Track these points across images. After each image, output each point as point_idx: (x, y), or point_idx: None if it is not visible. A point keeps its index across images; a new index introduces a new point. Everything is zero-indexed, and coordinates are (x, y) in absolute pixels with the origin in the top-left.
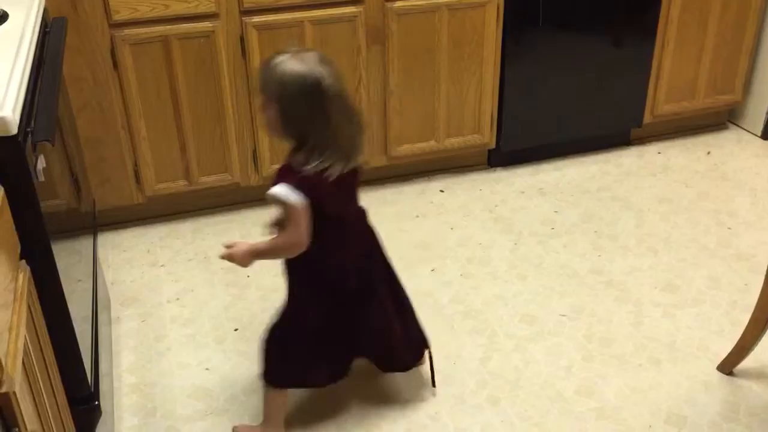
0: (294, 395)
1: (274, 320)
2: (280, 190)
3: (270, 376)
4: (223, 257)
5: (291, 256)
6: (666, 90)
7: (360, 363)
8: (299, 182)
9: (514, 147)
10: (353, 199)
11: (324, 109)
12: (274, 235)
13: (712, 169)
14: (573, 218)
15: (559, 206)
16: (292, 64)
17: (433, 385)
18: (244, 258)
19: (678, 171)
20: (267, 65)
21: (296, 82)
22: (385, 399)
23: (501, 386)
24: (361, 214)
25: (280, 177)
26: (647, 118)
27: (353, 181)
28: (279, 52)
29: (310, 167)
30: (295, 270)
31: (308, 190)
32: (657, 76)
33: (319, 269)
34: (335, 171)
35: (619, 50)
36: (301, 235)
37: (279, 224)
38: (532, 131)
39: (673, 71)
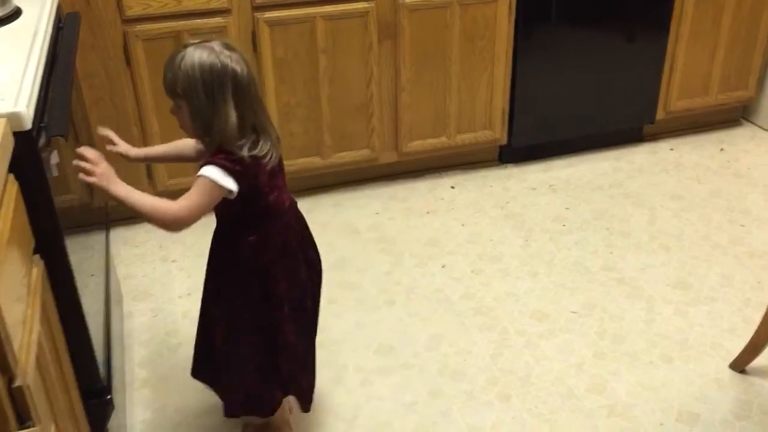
0: None
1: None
2: (213, 172)
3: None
4: (78, 167)
5: (161, 227)
6: (679, 86)
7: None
8: (235, 166)
9: (526, 143)
10: (285, 188)
11: (246, 95)
12: (166, 200)
13: (725, 165)
14: (585, 215)
15: (571, 203)
16: (200, 54)
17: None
18: (108, 185)
19: (691, 168)
20: (173, 62)
21: (210, 71)
22: (394, 395)
23: (512, 383)
24: (294, 203)
25: (215, 158)
26: (660, 114)
27: (281, 169)
28: (183, 46)
29: (247, 155)
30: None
31: (245, 177)
32: (670, 72)
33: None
34: (273, 159)
35: (632, 45)
36: (194, 214)
37: None
38: (543, 127)
39: (687, 67)
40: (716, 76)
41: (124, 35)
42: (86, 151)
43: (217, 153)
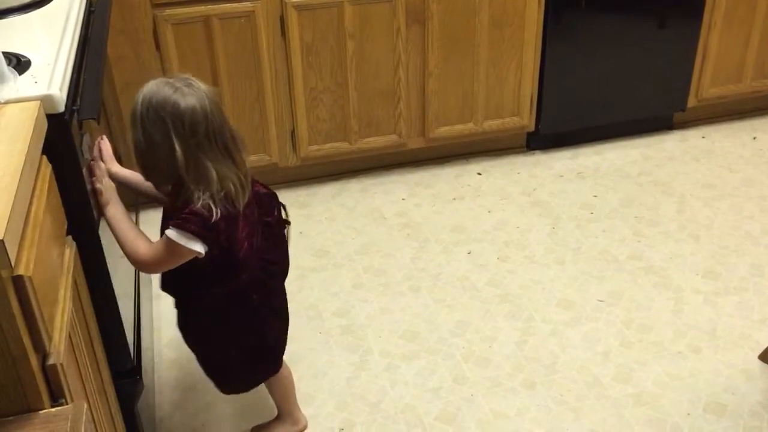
0: (323, 381)
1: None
2: (181, 238)
3: (248, 383)
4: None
5: (131, 263)
6: (712, 73)
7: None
8: (207, 233)
9: (554, 130)
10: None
11: (189, 131)
12: (144, 236)
13: (758, 154)
14: (613, 203)
15: (599, 191)
16: (151, 85)
17: None
18: (107, 201)
19: (722, 156)
20: (137, 100)
21: (149, 102)
22: (419, 381)
23: (537, 370)
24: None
25: (187, 224)
26: (691, 102)
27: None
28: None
29: (218, 211)
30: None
31: (217, 242)
32: (703, 59)
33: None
34: (243, 199)
35: (664, 31)
36: (161, 268)
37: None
38: (572, 114)
39: (720, 53)
40: (750, 63)
41: (154, 19)
42: (96, 163)
43: (190, 215)
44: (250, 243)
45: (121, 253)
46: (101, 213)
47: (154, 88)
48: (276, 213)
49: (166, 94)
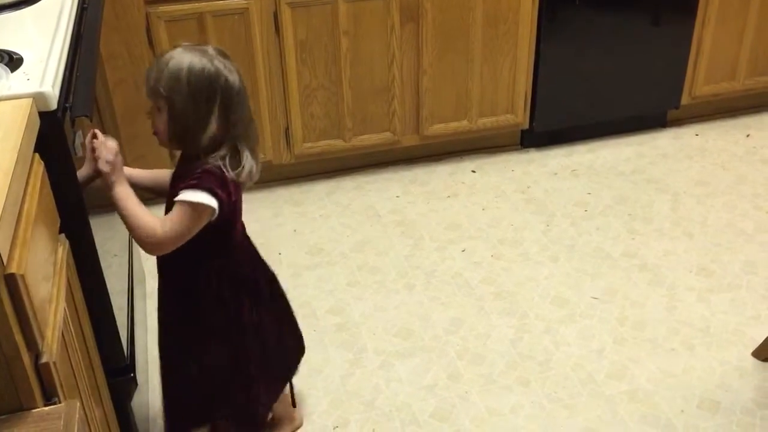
0: (317, 379)
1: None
2: (203, 197)
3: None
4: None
5: (140, 246)
6: (705, 70)
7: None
8: (223, 192)
9: (548, 128)
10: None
11: (236, 108)
12: (156, 217)
13: (751, 152)
14: (606, 200)
15: (593, 188)
16: (191, 57)
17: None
18: (115, 180)
19: (716, 154)
20: (159, 61)
21: (200, 75)
22: (413, 378)
23: (531, 367)
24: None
25: (204, 182)
26: (685, 100)
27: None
28: (173, 47)
29: (230, 174)
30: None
31: (228, 204)
32: (696, 56)
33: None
34: (253, 177)
35: (658, 29)
36: (176, 243)
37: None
38: (566, 112)
39: (714, 51)
40: (744, 61)
41: (147, 16)
42: (108, 139)
43: (204, 174)
44: (242, 224)
45: (115, 251)
46: (107, 194)
47: (197, 58)
48: None
49: (218, 67)
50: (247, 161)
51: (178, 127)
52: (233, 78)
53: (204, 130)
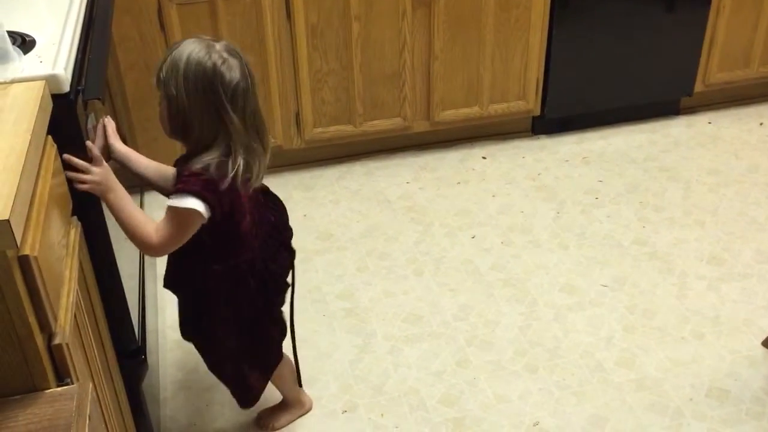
0: (326, 363)
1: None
2: (184, 201)
3: (258, 382)
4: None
5: (139, 249)
6: (719, 58)
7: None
8: (207, 187)
9: (560, 114)
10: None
11: (233, 106)
12: (150, 218)
13: (764, 140)
14: (618, 188)
15: (604, 176)
16: (193, 47)
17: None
18: (102, 193)
19: (729, 142)
20: (169, 47)
21: (198, 72)
22: (422, 364)
23: (540, 354)
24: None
25: (188, 185)
26: (698, 87)
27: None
28: (184, 39)
29: (220, 175)
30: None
31: (219, 204)
32: (710, 43)
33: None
34: (254, 183)
35: (672, 15)
36: (170, 248)
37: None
38: (578, 98)
39: (728, 38)
40: (758, 48)
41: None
42: (71, 159)
43: (191, 176)
44: (252, 219)
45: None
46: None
47: (197, 49)
48: (282, 219)
49: (216, 61)
50: (242, 163)
51: (175, 119)
52: (232, 75)
53: (198, 125)
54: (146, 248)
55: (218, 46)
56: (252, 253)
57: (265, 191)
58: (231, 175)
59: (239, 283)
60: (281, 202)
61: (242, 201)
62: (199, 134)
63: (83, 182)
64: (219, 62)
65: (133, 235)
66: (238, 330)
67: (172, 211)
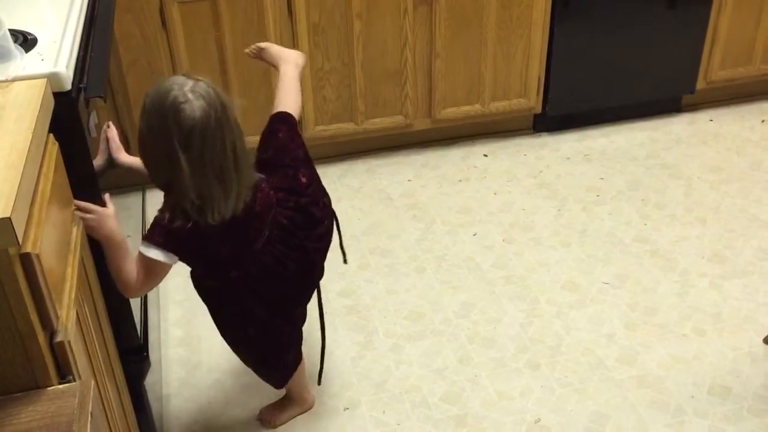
0: (328, 361)
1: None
2: (150, 252)
3: (279, 381)
4: (79, 208)
5: (116, 282)
6: (721, 55)
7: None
8: (168, 237)
9: (561, 112)
10: (256, 230)
11: (190, 149)
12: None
13: (766, 137)
14: (619, 185)
15: (606, 173)
16: (163, 81)
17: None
18: (98, 229)
19: (730, 139)
20: (150, 93)
21: (155, 106)
22: (424, 361)
23: (541, 351)
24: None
25: (151, 234)
26: (700, 85)
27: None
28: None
29: (179, 222)
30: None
31: (185, 247)
32: (712, 41)
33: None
34: (226, 216)
35: (674, 12)
36: (146, 289)
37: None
38: (579, 96)
39: (730, 35)
40: (760, 46)
41: None
42: (77, 203)
43: (153, 223)
44: (236, 244)
45: (128, 232)
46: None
47: (166, 88)
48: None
49: (176, 98)
50: (193, 210)
51: (140, 154)
52: (189, 115)
53: (153, 164)
54: (126, 291)
55: (190, 85)
56: (241, 270)
57: (294, 186)
58: (189, 221)
59: (234, 296)
60: (315, 198)
61: (213, 237)
62: (154, 173)
63: (82, 218)
64: (180, 100)
65: (115, 278)
66: (246, 334)
67: (140, 257)
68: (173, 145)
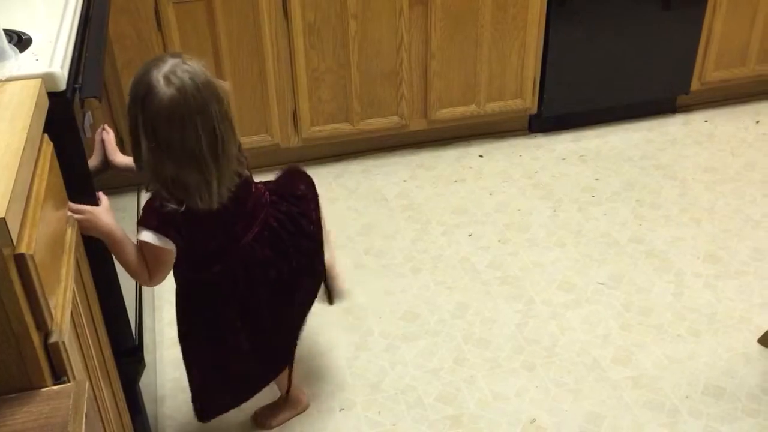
0: (323, 361)
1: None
2: (147, 236)
3: (202, 411)
4: (69, 209)
5: (131, 276)
6: (716, 56)
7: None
8: (164, 223)
9: (556, 112)
10: (244, 220)
11: (153, 135)
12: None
13: (761, 138)
14: (614, 186)
15: (601, 174)
16: (148, 61)
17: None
18: (93, 227)
19: (725, 140)
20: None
21: (135, 78)
22: (419, 361)
23: (537, 352)
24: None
25: (143, 216)
26: (695, 85)
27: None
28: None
29: (171, 207)
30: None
31: (175, 232)
32: (707, 41)
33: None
34: (212, 205)
35: (668, 13)
36: (159, 278)
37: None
38: (575, 97)
39: (724, 36)
40: (755, 46)
41: None
42: (71, 205)
43: (145, 207)
44: (224, 237)
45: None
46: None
47: (147, 69)
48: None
49: (152, 82)
50: (191, 184)
51: (135, 147)
52: (158, 99)
53: (130, 145)
54: (142, 281)
55: (166, 70)
56: (224, 265)
57: (285, 190)
58: (182, 206)
59: (211, 292)
60: (306, 202)
61: (203, 226)
62: (132, 149)
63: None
64: (153, 84)
65: (127, 269)
66: (205, 337)
67: (140, 244)
68: (138, 128)
